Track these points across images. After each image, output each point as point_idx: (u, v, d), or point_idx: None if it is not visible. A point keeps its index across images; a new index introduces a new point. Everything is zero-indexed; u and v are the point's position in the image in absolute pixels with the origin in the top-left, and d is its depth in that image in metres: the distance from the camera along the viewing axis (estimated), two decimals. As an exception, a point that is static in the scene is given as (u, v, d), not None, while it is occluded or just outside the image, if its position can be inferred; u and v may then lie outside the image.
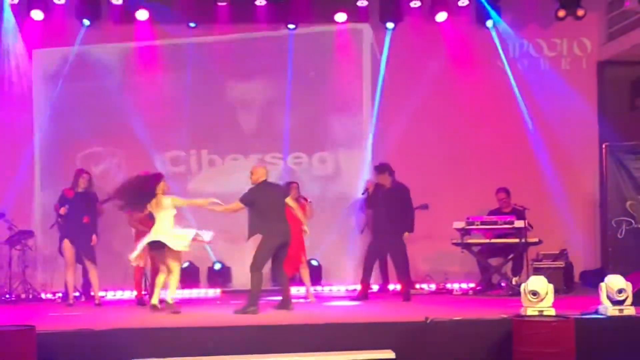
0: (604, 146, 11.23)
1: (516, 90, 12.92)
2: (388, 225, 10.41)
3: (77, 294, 11.01)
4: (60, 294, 11.25)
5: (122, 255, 11.85)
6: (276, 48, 12.85)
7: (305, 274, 10.68)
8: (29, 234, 11.49)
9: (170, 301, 9.29)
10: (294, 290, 11.39)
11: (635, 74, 12.91)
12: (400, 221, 10.46)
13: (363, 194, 11.09)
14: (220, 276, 12.31)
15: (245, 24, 12.68)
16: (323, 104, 12.94)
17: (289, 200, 9.62)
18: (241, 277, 10.57)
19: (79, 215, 10.26)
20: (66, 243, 10.24)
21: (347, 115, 13.02)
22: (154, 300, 9.36)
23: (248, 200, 9.37)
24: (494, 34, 12.99)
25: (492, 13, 12.83)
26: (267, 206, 9.35)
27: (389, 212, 10.42)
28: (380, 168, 10.65)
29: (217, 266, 12.31)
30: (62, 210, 10.28)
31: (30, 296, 11.32)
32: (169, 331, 7.86)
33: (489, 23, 12.91)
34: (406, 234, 10.49)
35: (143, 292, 10.92)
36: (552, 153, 12.76)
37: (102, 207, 11.15)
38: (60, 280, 11.27)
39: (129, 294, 11.83)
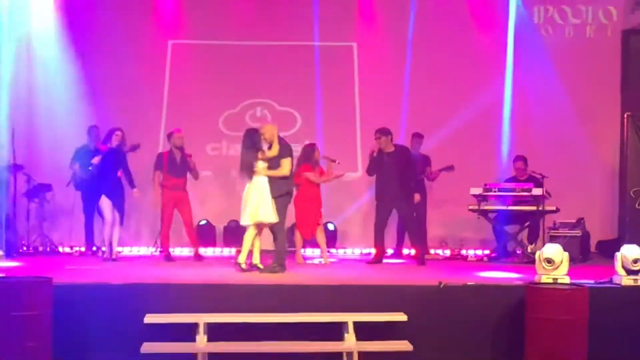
0: (625, 116, 11.14)
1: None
2: (394, 190, 10.39)
3: (94, 248, 11.10)
4: (77, 248, 11.36)
5: (136, 211, 12.11)
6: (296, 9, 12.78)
7: (320, 236, 10.71)
8: (47, 187, 11.56)
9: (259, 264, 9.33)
10: (310, 252, 11.50)
11: (659, 43, 12.75)
12: (405, 184, 10.43)
13: (369, 159, 10.95)
14: (237, 234, 12.32)
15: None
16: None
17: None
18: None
19: (113, 170, 10.30)
20: (104, 199, 10.29)
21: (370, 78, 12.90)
22: (241, 259, 9.30)
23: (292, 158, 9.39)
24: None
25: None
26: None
27: (393, 175, 10.40)
28: (382, 131, 10.60)
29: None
30: (96, 160, 10.30)
31: (48, 249, 11.43)
32: (184, 287, 7.95)
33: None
34: (417, 196, 10.42)
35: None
36: (573, 121, 12.62)
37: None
38: (76, 235, 11.38)
39: (145, 250, 11.96)
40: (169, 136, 10.78)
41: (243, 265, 9.20)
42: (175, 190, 10.52)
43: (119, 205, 10.33)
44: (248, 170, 9.22)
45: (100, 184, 10.33)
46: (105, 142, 10.42)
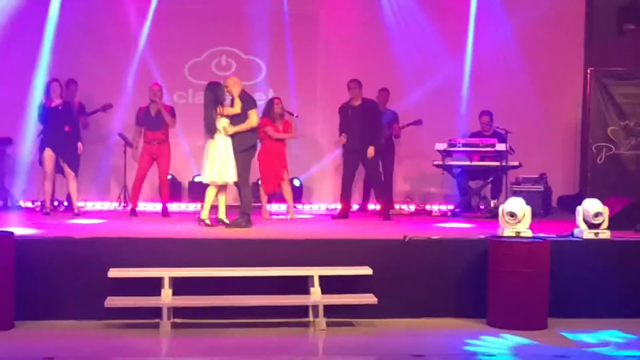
0: (588, 71, 11.20)
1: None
2: (360, 143, 10.39)
3: (55, 203, 10.98)
4: (39, 203, 11.23)
5: (105, 167, 12.01)
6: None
7: (287, 190, 10.69)
8: (8, 141, 11.38)
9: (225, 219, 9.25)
10: (276, 207, 11.50)
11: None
12: (371, 138, 10.43)
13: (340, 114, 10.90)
14: (202, 190, 12.25)
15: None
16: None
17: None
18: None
19: (60, 124, 10.16)
20: (47, 152, 10.16)
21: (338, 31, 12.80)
22: (204, 215, 9.25)
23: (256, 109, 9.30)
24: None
25: None
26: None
27: (359, 128, 10.39)
28: (355, 81, 10.57)
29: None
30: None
31: (9, 204, 11.28)
32: (147, 241, 7.91)
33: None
34: (371, 149, 10.38)
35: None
36: (537, 77, 12.65)
37: (87, 119, 11.11)
38: (39, 189, 11.23)
39: (108, 205, 11.89)
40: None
41: (207, 221, 9.17)
42: (152, 144, 10.42)
43: (69, 160, 10.21)
44: (211, 127, 9.11)
45: (45, 138, 10.20)
46: (46, 95, 10.25)
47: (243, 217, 9.20)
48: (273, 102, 10.61)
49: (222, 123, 9.07)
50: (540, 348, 6.90)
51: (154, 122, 10.42)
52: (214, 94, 9.14)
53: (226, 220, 9.21)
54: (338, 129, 10.78)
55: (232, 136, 9.12)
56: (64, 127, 10.18)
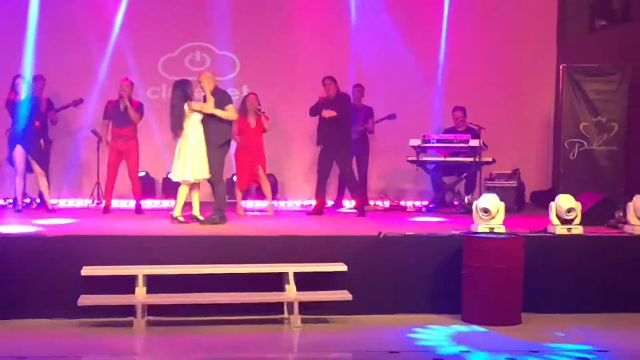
0: (561, 67, 11.28)
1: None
2: (333, 138, 10.39)
3: (27, 200, 10.87)
4: (10, 200, 11.12)
5: (76, 163, 11.92)
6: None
7: (266, 186, 10.67)
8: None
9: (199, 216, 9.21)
10: (250, 203, 11.47)
11: (596, -4, 12.89)
12: (344, 134, 10.43)
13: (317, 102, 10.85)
14: (177, 186, 12.20)
15: None
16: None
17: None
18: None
19: (28, 120, 10.06)
20: (18, 149, 10.07)
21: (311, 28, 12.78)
22: (177, 212, 9.19)
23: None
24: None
25: None
26: None
27: (333, 123, 10.38)
28: (330, 78, 10.57)
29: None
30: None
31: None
32: (120, 239, 7.87)
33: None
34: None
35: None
36: (510, 73, 12.77)
37: (56, 114, 11.01)
38: (10, 187, 11.12)
39: (82, 202, 11.80)
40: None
41: (180, 218, 9.13)
42: (120, 141, 10.34)
43: (37, 156, 10.13)
44: (176, 126, 9.05)
45: (14, 135, 10.12)
46: (13, 90, 10.15)
47: (217, 213, 9.16)
48: (245, 97, 10.61)
49: (195, 118, 9.03)
50: (514, 343, 6.94)
51: (122, 118, 10.31)
52: (182, 92, 9.09)
53: (200, 217, 9.18)
54: (309, 110, 10.74)
55: (207, 131, 9.08)
56: (34, 122, 10.09)
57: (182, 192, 9.20)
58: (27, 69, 10.93)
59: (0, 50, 11.64)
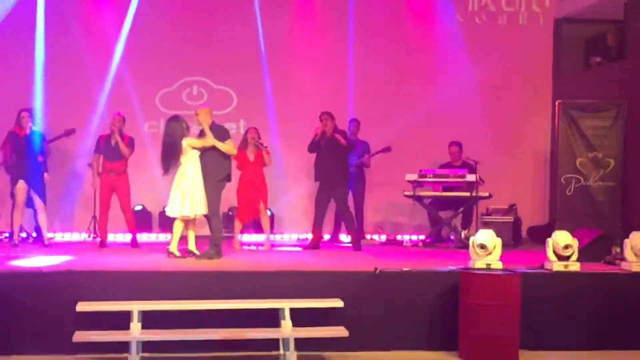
0: (557, 103, 11.33)
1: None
2: (330, 173, 10.42)
3: (24, 234, 10.85)
4: (7, 235, 11.10)
5: (70, 196, 11.89)
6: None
7: (265, 221, 10.67)
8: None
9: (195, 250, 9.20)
10: (247, 237, 11.45)
11: (590, 33, 12.99)
12: (341, 169, 10.47)
13: (313, 138, 10.86)
14: (172, 220, 12.18)
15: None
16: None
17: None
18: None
19: (32, 154, 10.07)
20: (21, 184, 10.07)
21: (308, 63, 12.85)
22: (173, 247, 9.18)
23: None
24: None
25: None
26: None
27: (331, 159, 10.42)
28: (327, 114, 10.61)
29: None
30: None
31: (-25, 237, 11.16)
32: (116, 274, 7.82)
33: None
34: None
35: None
36: (506, 108, 12.87)
37: (49, 145, 11.02)
38: (7, 221, 11.09)
39: (78, 236, 11.77)
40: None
41: (177, 253, 9.11)
42: (112, 175, 10.35)
43: (40, 191, 10.13)
44: (168, 163, 9.07)
45: (17, 169, 10.13)
46: (17, 124, 10.18)
47: (213, 248, 9.14)
48: (246, 131, 10.64)
49: (193, 153, 9.04)
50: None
51: (113, 152, 10.34)
52: (179, 128, 9.10)
53: (196, 252, 9.16)
54: (308, 147, 10.74)
55: (206, 166, 9.10)
56: (37, 157, 10.11)
57: (178, 226, 9.19)
58: (37, 102, 11.04)
59: (4, 82, 11.67)
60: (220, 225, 9.36)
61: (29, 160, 10.11)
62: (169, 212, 9.20)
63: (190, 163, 9.06)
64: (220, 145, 9.10)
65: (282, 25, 12.71)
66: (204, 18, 12.43)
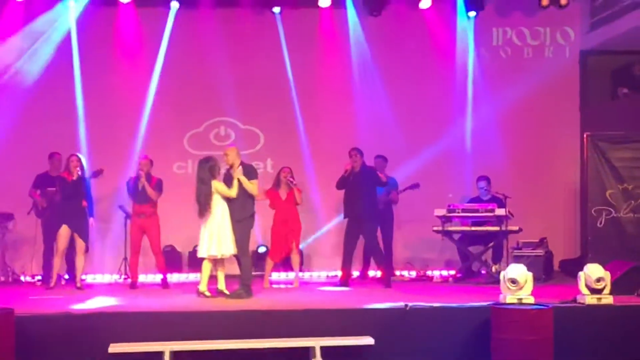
0: (585, 135, 11.26)
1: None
2: (359, 209, 10.43)
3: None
4: (39, 277, 11.20)
5: (100, 237, 12.00)
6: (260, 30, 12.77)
7: (295, 260, 10.70)
8: (9, 216, 11.38)
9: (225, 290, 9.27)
10: (275, 275, 11.46)
11: (617, 63, 12.95)
12: (370, 205, 10.46)
13: (343, 175, 10.85)
14: (202, 260, 12.22)
15: (229, 7, 12.62)
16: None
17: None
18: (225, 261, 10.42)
19: (78, 199, 10.21)
20: (64, 228, 10.18)
21: (334, 100, 12.93)
22: (203, 287, 9.25)
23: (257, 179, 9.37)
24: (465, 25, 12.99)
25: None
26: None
27: (360, 196, 10.44)
28: (357, 150, 10.66)
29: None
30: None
31: (10, 279, 11.25)
32: (147, 315, 7.87)
33: (471, 13, 12.92)
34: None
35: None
36: (534, 142, 12.81)
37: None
38: (39, 264, 11.21)
39: (109, 278, 11.85)
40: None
41: (207, 293, 9.15)
42: (141, 217, 10.45)
43: (82, 234, 10.23)
44: (204, 207, 9.16)
45: (60, 213, 10.25)
46: (65, 169, 10.34)
47: (243, 287, 9.18)
48: (279, 171, 10.71)
49: (219, 196, 9.15)
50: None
51: (141, 195, 10.43)
52: (206, 172, 9.21)
53: (226, 291, 9.19)
54: (336, 184, 10.76)
55: (231, 205, 9.17)
56: (82, 201, 10.23)
57: (206, 266, 9.26)
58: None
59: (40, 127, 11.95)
60: (249, 265, 9.41)
61: (73, 204, 10.21)
62: (200, 253, 9.27)
63: (218, 204, 9.13)
64: (245, 182, 9.18)
65: (308, 64, 12.78)
66: (230, 59, 12.55)
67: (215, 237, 9.06)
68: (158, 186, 10.50)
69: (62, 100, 12.28)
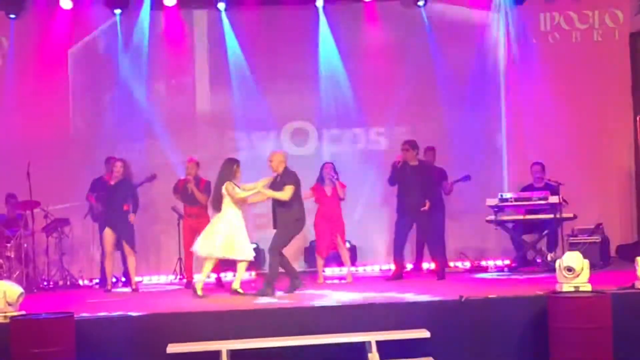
0: (638, 118, 11.09)
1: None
2: (415, 204, 10.38)
3: (114, 279, 11.12)
4: (97, 281, 11.40)
5: (155, 239, 12.17)
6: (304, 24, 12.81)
7: (344, 254, 10.72)
8: (65, 221, 11.59)
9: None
10: (330, 271, 11.49)
11: (668, 44, 12.72)
12: (425, 198, 10.42)
13: (392, 168, 10.80)
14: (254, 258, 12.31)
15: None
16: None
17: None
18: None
19: (119, 202, 10.37)
20: (107, 231, 10.37)
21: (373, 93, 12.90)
22: (236, 285, 9.36)
23: (298, 186, 9.40)
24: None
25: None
26: (299, 192, 9.46)
27: (415, 189, 10.39)
28: (410, 144, 10.62)
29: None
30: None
31: (68, 283, 11.45)
32: (204, 315, 7.94)
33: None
34: (427, 203, 10.38)
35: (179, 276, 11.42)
36: (586, 126, 12.63)
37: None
38: (96, 267, 11.42)
39: (165, 279, 12.00)
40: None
41: (240, 290, 9.31)
42: (193, 218, 10.56)
43: (127, 237, 10.37)
44: (217, 202, 9.30)
45: (106, 216, 10.42)
46: (108, 173, 10.50)
47: (268, 285, 9.26)
48: (323, 166, 10.72)
49: (231, 197, 9.25)
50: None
51: (190, 197, 10.59)
52: (226, 171, 9.36)
53: (240, 290, 9.30)
54: (388, 179, 10.76)
55: (281, 209, 9.29)
56: (122, 205, 10.38)
57: (209, 264, 9.39)
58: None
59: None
60: (277, 265, 9.42)
61: (115, 208, 10.37)
62: (198, 250, 9.42)
63: (229, 207, 9.27)
64: (272, 194, 9.29)
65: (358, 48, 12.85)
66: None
67: (228, 238, 9.20)
68: (207, 188, 10.57)
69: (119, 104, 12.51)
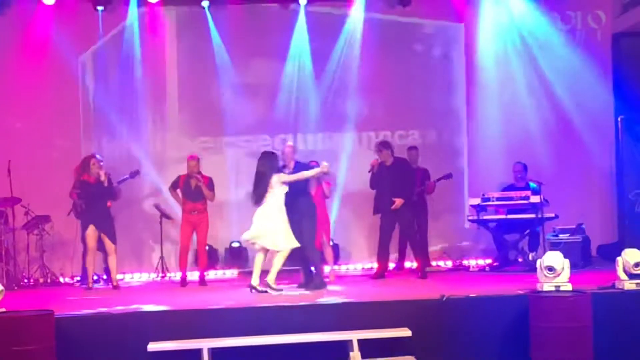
0: (619, 119, 11.15)
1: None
2: (391, 202, 10.39)
3: (95, 277, 11.05)
4: (78, 278, 11.33)
5: (136, 237, 12.12)
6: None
7: (328, 253, 10.70)
8: (46, 218, 11.52)
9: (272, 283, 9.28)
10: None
11: (651, 45, 12.77)
12: (405, 197, 10.43)
13: (369, 172, 10.81)
14: (237, 257, 12.33)
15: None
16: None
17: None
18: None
19: (102, 200, 10.32)
20: (91, 229, 10.30)
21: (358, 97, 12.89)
22: (255, 281, 9.28)
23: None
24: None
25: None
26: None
27: (394, 188, 10.40)
28: (382, 145, 10.65)
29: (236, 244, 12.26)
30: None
31: (49, 280, 11.39)
32: (185, 313, 7.92)
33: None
34: (398, 200, 10.35)
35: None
36: (567, 127, 12.67)
37: (119, 188, 11.24)
38: (77, 265, 11.35)
39: (147, 277, 11.96)
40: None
41: (259, 288, 9.18)
42: (192, 214, 10.55)
43: (110, 235, 10.33)
44: (261, 195, 9.23)
45: (87, 215, 10.37)
46: (87, 171, 10.40)
47: (319, 278, 9.46)
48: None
49: (279, 190, 9.22)
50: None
51: (194, 194, 10.56)
52: (271, 164, 9.32)
53: (259, 287, 9.20)
54: (369, 184, 10.75)
55: (301, 201, 9.37)
56: (106, 203, 10.33)
57: (259, 259, 9.33)
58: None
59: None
60: (318, 257, 9.65)
61: (98, 205, 10.32)
62: (277, 245, 9.25)
63: (275, 200, 9.21)
64: (307, 173, 9.43)
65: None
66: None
67: (284, 228, 9.18)
68: (210, 185, 10.60)
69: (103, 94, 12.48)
